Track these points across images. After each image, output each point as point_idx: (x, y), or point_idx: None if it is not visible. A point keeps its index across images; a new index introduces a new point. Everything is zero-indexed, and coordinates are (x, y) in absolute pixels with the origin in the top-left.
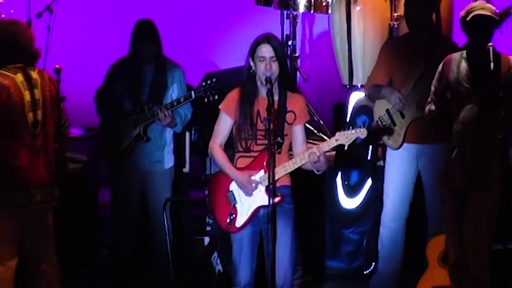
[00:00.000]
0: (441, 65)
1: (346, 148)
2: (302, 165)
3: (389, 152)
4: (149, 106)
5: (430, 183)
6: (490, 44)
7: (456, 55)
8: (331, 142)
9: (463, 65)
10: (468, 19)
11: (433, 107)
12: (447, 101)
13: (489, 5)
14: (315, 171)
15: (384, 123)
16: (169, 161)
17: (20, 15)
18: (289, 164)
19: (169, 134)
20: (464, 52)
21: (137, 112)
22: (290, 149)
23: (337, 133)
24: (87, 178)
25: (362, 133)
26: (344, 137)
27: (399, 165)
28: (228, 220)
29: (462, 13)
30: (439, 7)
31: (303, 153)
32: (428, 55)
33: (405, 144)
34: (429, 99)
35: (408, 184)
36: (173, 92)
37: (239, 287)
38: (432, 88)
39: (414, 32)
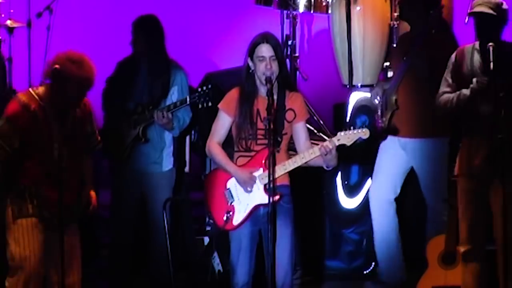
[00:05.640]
0: (453, 55)
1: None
2: (311, 159)
3: (380, 147)
4: (149, 107)
5: (427, 181)
6: (491, 44)
7: (468, 47)
8: (333, 142)
9: (476, 57)
10: (467, 17)
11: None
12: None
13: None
14: (324, 166)
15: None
16: (167, 163)
17: (20, 15)
18: (296, 158)
19: (168, 135)
20: (476, 43)
21: (138, 112)
22: (290, 148)
23: (339, 133)
24: None
25: (364, 133)
26: (346, 137)
27: (389, 159)
28: (225, 218)
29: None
30: (441, 7)
31: (313, 147)
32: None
33: (396, 138)
34: (441, 91)
35: (400, 175)
36: (173, 95)
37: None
38: (449, 80)
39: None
